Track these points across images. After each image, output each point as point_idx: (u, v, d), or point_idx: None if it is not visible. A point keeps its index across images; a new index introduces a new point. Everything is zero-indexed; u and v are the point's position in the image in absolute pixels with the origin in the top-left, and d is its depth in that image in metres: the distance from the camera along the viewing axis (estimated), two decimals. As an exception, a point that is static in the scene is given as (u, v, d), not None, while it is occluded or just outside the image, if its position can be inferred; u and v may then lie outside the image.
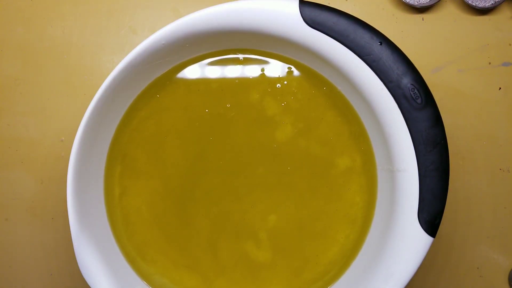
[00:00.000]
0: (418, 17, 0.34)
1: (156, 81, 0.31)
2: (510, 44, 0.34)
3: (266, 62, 0.31)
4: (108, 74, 0.28)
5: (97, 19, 0.36)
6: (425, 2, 0.33)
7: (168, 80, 0.31)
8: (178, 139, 0.31)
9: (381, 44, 0.26)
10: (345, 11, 0.27)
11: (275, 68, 0.31)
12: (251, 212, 0.31)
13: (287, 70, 0.31)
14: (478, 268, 0.34)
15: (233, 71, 0.31)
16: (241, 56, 0.31)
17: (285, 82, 0.31)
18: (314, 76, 0.30)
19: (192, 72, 0.31)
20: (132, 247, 0.31)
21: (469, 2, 0.33)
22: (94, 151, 0.29)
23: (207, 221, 0.31)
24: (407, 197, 0.27)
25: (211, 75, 0.31)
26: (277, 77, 0.31)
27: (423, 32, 0.34)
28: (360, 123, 0.30)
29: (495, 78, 0.34)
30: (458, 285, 0.34)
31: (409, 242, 0.26)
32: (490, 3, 0.33)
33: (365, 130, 0.30)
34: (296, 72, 0.31)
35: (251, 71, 0.31)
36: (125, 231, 0.31)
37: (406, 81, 0.26)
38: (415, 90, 0.26)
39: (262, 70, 0.31)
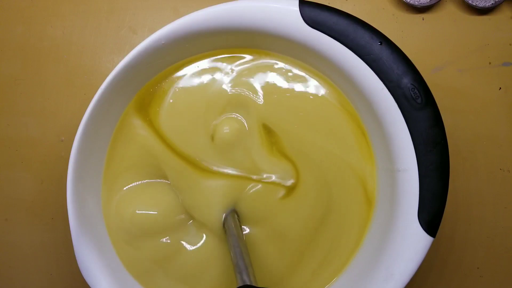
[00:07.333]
0: (418, 17, 0.34)
1: (156, 81, 0.31)
2: (510, 44, 0.34)
3: (266, 62, 0.31)
4: (108, 74, 0.28)
5: (97, 19, 0.36)
6: (425, 2, 0.33)
7: (168, 80, 0.31)
8: (179, 139, 0.31)
9: (381, 44, 0.26)
10: (345, 11, 0.27)
11: (275, 68, 0.31)
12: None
13: (287, 69, 0.31)
14: (478, 268, 0.34)
15: (232, 71, 0.31)
16: (240, 56, 0.31)
17: (286, 84, 0.31)
18: (314, 76, 0.30)
19: (192, 72, 0.31)
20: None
21: (469, 2, 0.33)
22: (94, 151, 0.29)
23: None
24: (407, 197, 0.26)
25: (211, 75, 0.31)
26: (277, 77, 0.31)
27: (423, 32, 0.34)
28: (360, 123, 0.30)
29: (495, 78, 0.34)
30: (458, 285, 0.34)
31: (409, 242, 0.26)
32: (490, 3, 0.33)
33: (365, 130, 0.30)
34: (296, 72, 0.31)
35: (251, 70, 0.31)
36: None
37: (406, 81, 0.26)
38: (415, 90, 0.26)
39: (262, 69, 0.31)
